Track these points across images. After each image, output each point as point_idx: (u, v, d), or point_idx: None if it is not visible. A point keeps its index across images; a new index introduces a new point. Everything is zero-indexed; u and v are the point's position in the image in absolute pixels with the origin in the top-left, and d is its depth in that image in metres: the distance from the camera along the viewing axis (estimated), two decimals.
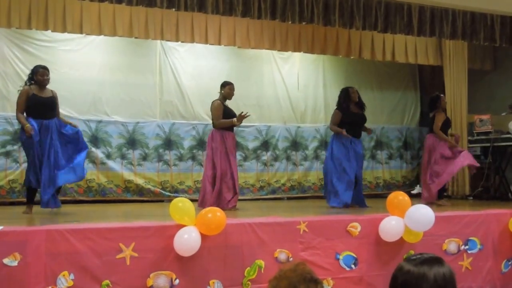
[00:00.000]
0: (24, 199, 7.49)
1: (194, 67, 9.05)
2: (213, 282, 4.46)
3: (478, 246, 5.54)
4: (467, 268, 5.45)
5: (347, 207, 6.89)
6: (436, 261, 2.05)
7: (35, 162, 5.94)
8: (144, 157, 8.63)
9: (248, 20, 7.91)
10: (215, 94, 7.02)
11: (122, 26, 7.74)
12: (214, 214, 4.47)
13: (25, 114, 6.07)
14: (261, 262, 4.61)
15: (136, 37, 8.01)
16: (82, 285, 4.06)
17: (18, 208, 6.60)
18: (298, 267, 2.18)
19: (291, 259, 4.71)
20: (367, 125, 7.50)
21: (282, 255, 4.71)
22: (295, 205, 8.19)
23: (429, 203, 6.26)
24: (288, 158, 9.64)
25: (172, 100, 8.90)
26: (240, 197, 7.25)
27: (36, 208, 6.16)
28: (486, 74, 10.37)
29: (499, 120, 9.06)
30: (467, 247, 5.49)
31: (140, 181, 8.53)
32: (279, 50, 9.16)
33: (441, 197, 7.62)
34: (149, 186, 8.56)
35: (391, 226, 5.05)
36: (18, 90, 6.28)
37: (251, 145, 9.35)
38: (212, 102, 6.93)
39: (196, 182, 8.71)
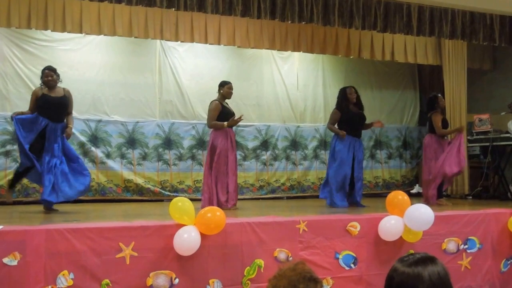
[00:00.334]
0: (24, 199, 7.54)
1: (193, 66, 9.05)
2: (213, 282, 4.47)
3: (477, 246, 5.56)
4: (466, 268, 5.46)
5: (336, 207, 6.90)
6: (429, 260, 2.05)
7: (22, 146, 6.03)
8: (144, 157, 8.63)
9: (247, 20, 7.91)
10: (215, 94, 7.02)
11: (121, 26, 7.74)
12: (214, 213, 4.48)
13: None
14: (260, 262, 4.62)
15: (135, 37, 8.01)
16: (82, 285, 4.06)
17: (18, 207, 6.60)
18: (298, 266, 2.19)
19: (290, 258, 4.72)
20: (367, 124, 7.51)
21: (281, 254, 4.72)
22: (294, 205, 8.19)
23: (429, 204, 6.29)
24: (287, 158, 9.65)
25: (171, 100, 8.90)
26: (239, 197, 7.25)
27: (36, 208, 6.16)
28: (485, 73, 10.39)
29: (498, 119, 9.07)
30: (466, 246, 5.50)
31: (139, 180, 8.53)
32: (278, 50, 9.16)
33: (440, 196, 7.63)
34: (148, 186, 8.57)
35: (391, 226, 5.06)
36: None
37: (251, 144, 9.36)
38: (211, 102, 6.91)
39: (195, 182, 8.71)
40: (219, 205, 6.21)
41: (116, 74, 8.58)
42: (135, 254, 4.22)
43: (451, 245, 5.43)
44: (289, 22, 7.12)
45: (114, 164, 8.43)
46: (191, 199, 4.71)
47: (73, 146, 6.77)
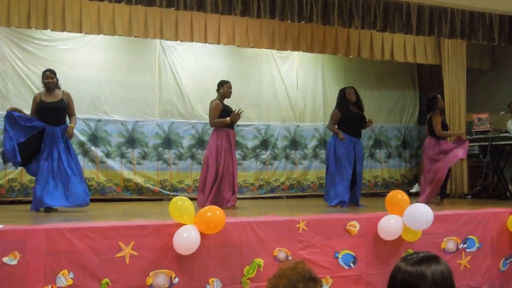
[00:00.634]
0: (24, 198, 7.56)
1: (193, 66, 9.06)
2: (212, 281, 4.47)
3: (477, 245, 5.56)
4: (465, 267, 5.47)
5: (343, 205, 6.89)
6: (432, 259, 2.05)
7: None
8: (144, 156, 8.64)
9: (247, 19, 7.91)
10: (214, 93, 7.02)
11: (121, 25, 7.75)
12: (214, 213, 4.47)
13: None
14: (260, 261, 4.62)
15: (135, 36, 8.02)
16: (82, 284, 4.06)
17: (18, 207, 6.61)
18: (297, 266, 2.19)
19: (290, 257, 4.72)
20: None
21: (281, 253, 4.72)
22: (294, 204, 8.20)
23: (428, 202, 6.30)
24: (287, 157, 9.65)
25: (171, 99, 8.90)
26: (239, 196, 7.26)
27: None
28: (484, 73, 10.39)
29: (497, 119, 9.08)
30: (465, 245, 5.50)
31: (139, 180, 8.54)
32: (278, 49, 9.17)
33: (444, 196, 7.63)
34: (148, 185, 8.57)
35: (390, 225, 5.06)
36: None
37: (250, 144, 9.36)
38: (211, 102, 6.92)
39: (195, 181, 8.71)
40: (217, 204, 6.21)
41: (116, 74, 8.58)
42: (135, 253, 4.22)
43: (450, 244, 5.44)
44: (289, 21, 7.12)
45: (114, 163, 8.44)
46: (191, 199, 4.72)
47: (73, 146, 6.77)
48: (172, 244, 4.29)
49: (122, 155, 8.52)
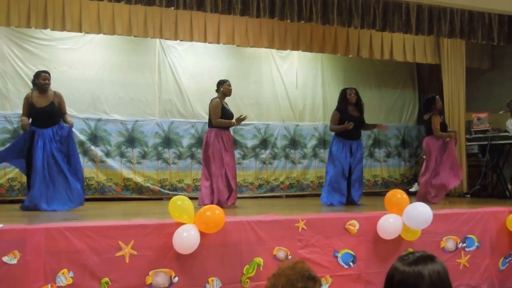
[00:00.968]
0: (24, 197, 7.54)
1: (193, 65, 9.06)
2: (212, 280, 4.48)
3: (476, 244, 5.57)
4: (464, 266, 5.48)
5: (337, 203, 6.92)
6: (429, 259, 2.06)
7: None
8: (143, 155, 8.64)
9: (246, 19, 7.91)
10: (214, 93, 7.02)
11: (121, 25, 7.75)
12: (213, 212, 4.48)
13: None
14: (259, 260, 4.63)
15: (135, 36, 8.02)
16: (82, 283, 4.07)
17: (17, 206, 6.60)
18: (297, 265, 2.20)
19: (289, 257, 4.73)
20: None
21: (280, 253, 4.73)
22: (293, 203, 8.21)
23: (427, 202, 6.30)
24: (286, 156, 9.66)
25: (171, 99, 8.90)
26: (238, 195, 7.26)
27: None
28: (484, 72, 10.40)
29: (496, 118, 9.09)
30: (464, 244, 5.52)
31: (139, 179, 8.54)
32: (277, 49, 9.16)
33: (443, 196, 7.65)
34: (148, 184, 8.58)
35: (389, 224, 5.07)
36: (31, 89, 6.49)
37: (250, 143, 9.37)
38: (211, 100, 6.92)
39: (195, 180, 8.72)
40: (218, 204, 6.22)
41: (116, 73, 8.58)
42: (135, 252, 4.23)
43: (449, 243, 5.45)
44: (288, 21, 7.11)
45: (113, 162, 8.44)
46: (191, 198, 4.73)
47: None
48: (172, 243, 4.29)
49: (122, 155, 8.52)
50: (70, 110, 7.97)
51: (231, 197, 6.66)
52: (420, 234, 5.15)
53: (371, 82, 10.43)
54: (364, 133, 8.06)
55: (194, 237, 4.31)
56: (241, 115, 6.82)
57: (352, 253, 5.03)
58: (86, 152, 8.22)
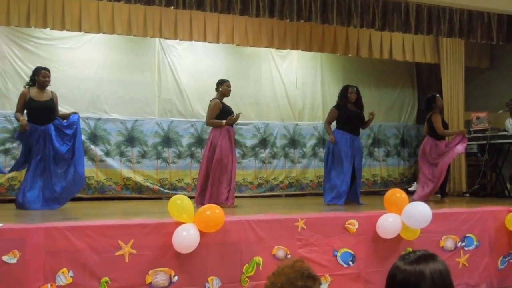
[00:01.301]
0: None
1: (192, 65, 9.06)
2: (212, 279, 4.49)
3: (475, 243, 5.58)
4: (464, 265, 5.49)
5: (339, 201, 6.90)
6: (430, 257, 2.05)
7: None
8: (143, 155, 8.65)
9: (246, 18, 7.92)
10: (213, 92, 7.03)
11: (120, 24, 7.75)
12: (213, 211, 4.48)
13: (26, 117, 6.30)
14: (259, 259, 4.64)
15: (134, 35, 8.03)
16: (81, 282, 4.08)
17: None
18: (296, 264, 2.20)
19: (289, 256, 4.73)
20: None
21: (280, 252, 4.74)
22: (293, 202, 8.22)
23: (425, 201, 6.31)
24: (286, 156, 9.67)
25: (170, 98, 8.91)
26: (238, 194, 7.28)
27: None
28: (483, 72, 10.41)
29: (495, 117, 9.10)
30: (464, 244, 5.52)
31: (139, 178, 8.55)
32: (277, 48, 9.17)
33: (444, 195, 7.64)
34: (147, 184, 8.58)
35: (389, 223, 5.08)
36: (25, 86, 6.48)
37: (249, 142, 9.37)
38: (211, 101, 6.92)
39: (194, 180, 8.71)
40: (215, 202, 6.21)
41: (115, 72, 8.59)
42: (134, 251, 4.24)
43: (448, 242, 5.46)
44: (288, 20, 7.13)
45: (113, 162, 8.45)
46: (190, 197, 4.74)
47: None
48: (172, 242, 4.30)
49: (122, 154, 8.52)
50: (69, 110, 7.98)
51: (229, 197, 6.66)
52: (420, 233, 5.16)
53: (370, 81, 10.44)
54: (364, 132, 8.07)
55: (194, 236, 4.32)
56: (232, 115, 6.80)
57: (352, 252, 5.03)
58: (85, 152, 8.16)
